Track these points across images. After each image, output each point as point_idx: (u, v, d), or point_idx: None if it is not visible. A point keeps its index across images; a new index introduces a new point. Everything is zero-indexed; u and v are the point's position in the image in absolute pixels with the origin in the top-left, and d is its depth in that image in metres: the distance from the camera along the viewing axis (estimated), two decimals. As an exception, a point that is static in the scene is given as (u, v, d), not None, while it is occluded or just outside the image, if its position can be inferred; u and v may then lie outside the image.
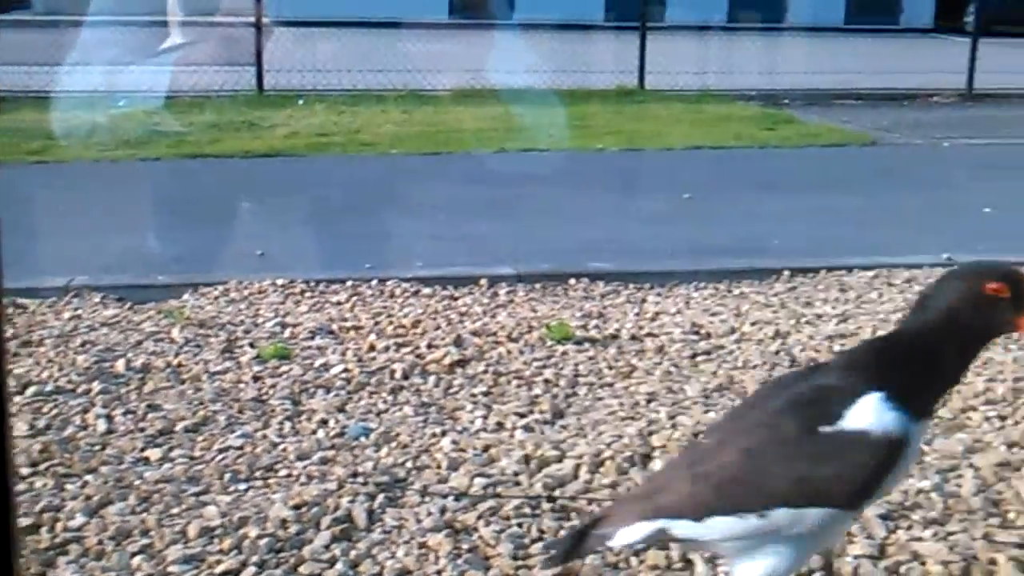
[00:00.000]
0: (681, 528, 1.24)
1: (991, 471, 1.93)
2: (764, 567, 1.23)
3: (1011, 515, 1.80)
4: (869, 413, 1.16)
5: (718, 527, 1.22)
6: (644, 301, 3.09)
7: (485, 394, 2.32)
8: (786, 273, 3.38)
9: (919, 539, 1.71)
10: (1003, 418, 2.20)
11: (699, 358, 2.57)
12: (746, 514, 1.20)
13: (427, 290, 3.14)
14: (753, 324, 2.83)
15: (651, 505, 1.27)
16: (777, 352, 2.61)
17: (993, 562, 1.65)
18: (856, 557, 1.66)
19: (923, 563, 1.65)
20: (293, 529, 1.73)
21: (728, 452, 1.24)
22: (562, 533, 1.66)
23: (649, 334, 2.74)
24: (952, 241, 3.88)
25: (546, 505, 1.81)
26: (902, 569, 1.63)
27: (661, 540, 1.34)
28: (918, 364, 1.22)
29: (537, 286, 3.20)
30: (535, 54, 9.10)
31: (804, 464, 1.18)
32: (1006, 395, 2.31)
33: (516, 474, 1.92)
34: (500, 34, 10.53)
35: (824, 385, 1.23)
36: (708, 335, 2.74)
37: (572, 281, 3.25)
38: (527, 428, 2.13)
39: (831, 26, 12.13)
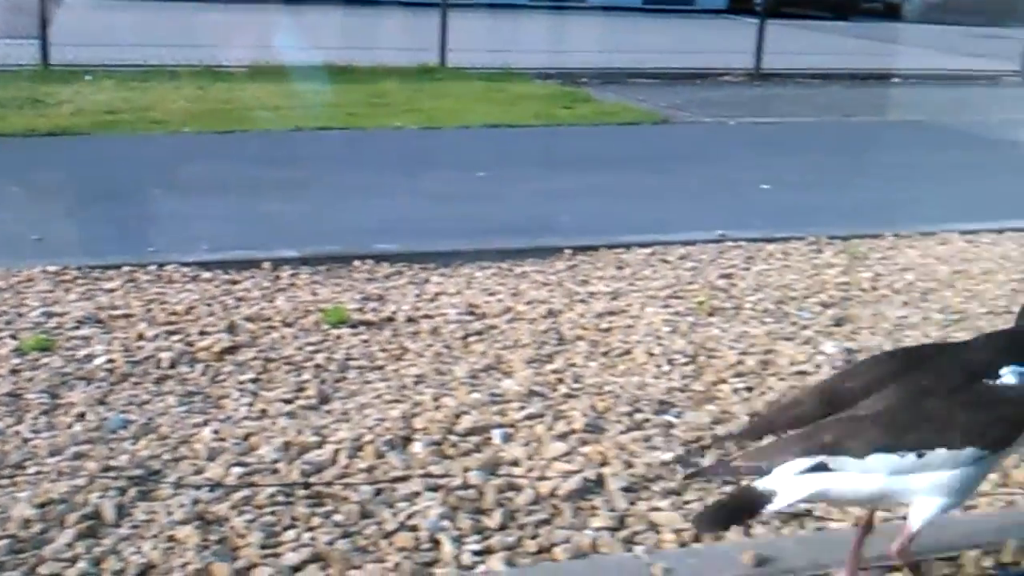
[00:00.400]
0: (842, 463, 1.29)
1: (733, 442, 2.05)
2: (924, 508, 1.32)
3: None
4: (1013, 378, 1.32)
5: (879, 463, 1.29)
6: (427, 282, 3.12)
7: (253, 381, 2.31)
8: (567, 252, 3.46)
9: (657, 509, 1.80)
10: (750, 389, 2.33)
11: (471, 339, 2.62)
12: (906, 452, 1.28)
13: (207, 275, 3.09)
14: (528, 303, 2.90)
15: (813, 442, 1.30)
16: (546, 331, 2.68)
17: (724, 528, 1.75)
18: (597, 529, 1.74)
19: (658, 531, 1.74)
20: (36, 528, 1.69)
21: (888, 396, 1.32)
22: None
23: (425, 315, 2.78)
24: (730, 218, 4.06)
25: (301, 492, 1.83)
26: (637, 538, 1.72)
27: (818, 489, 1.32)
28: None
29: (321, 268, 3.19)
30: (336, 30, 9.01)
31: (964, 410, 1.30)
32: (755, 367, 2.44)
33: (275, 462, 1.92)
34: (301, 9, 10.37)
35: (971, 358, 1.38)
36: (483, 315, 2.79)
37: (357, 263, 3.25)
38: (291, 415, 2.14)
39: (630, 6, 12.43)
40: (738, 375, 2.40)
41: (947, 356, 1.41)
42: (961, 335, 2.64)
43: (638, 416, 2.16)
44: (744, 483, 1.38)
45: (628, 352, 2.53)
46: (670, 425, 2.13)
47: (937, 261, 3.47)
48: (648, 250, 3.54)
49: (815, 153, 5.88)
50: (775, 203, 4.64)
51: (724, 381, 2.37)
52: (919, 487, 1.31)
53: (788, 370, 2.43)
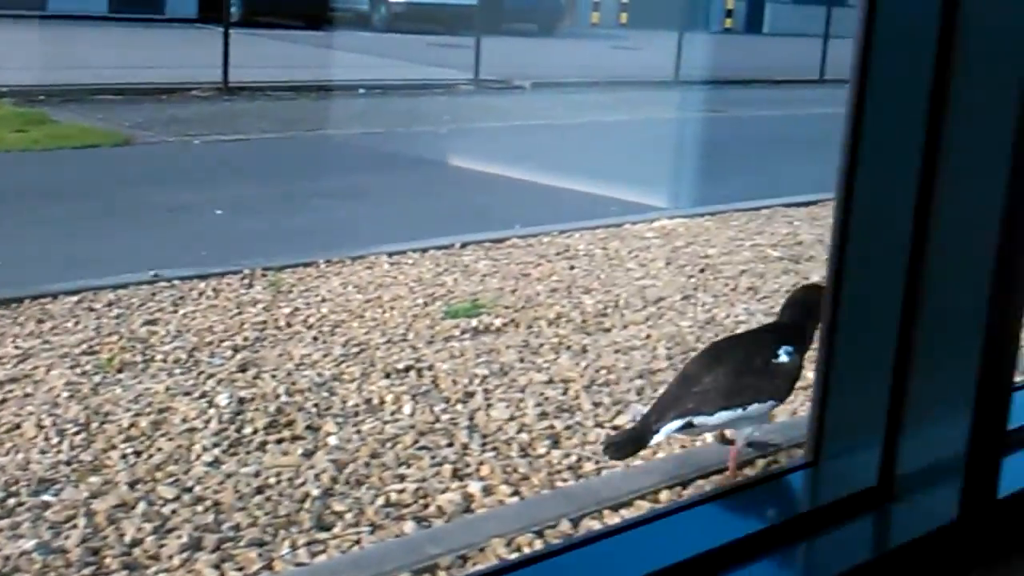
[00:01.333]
0: (700, 419, 2.09)
1: (105, 515, 2.11)
2: (745, 433, 2.16)
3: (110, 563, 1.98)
4: (785, 356, 2.15)
5: (721, 416, 2.11)
6: None
7: None
8: (-23, 308, 3.33)
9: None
10: (139, 454, 2.40)
11: None
12: (736, 408, 2.10)
13: None
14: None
15: (680, 409, 2.08)
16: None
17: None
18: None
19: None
20: None
21: (720, 374, 2.14)
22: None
23: None
24: (177, 250, 4.10)
25: None
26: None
27: (687, 430, 2.13)
28: (799, 330, 2.18)
29: None
30: None
31: (765, 379, 2.14)
32: (147, 429, 2.51)
33: None
34: None
35: (761, 344, 2.22)
36: None
37: None
38: None
39: (95, 14, 11.98)
40: (128, 439, 2.45)
41: (747, 344, 2.31)
42: (356, 369, 2.88)
43: (10, 501, 2.15)
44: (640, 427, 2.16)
45: (17, 427, 2.51)
46: (47, 505, 2.15)
47: (356, 289, 3.72)
48: (75, 298, 3.49)
49: (274, 173, 6.05)
50: (226, 231, 4.73)
51: (114, 447, 2.42)
52: (743, 423, 2.14)
53: (178, 428, 2.52)
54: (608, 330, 3.25)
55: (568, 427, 2.51)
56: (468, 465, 2.32)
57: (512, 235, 4.56)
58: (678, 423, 2.07)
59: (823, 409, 1.36)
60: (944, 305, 1.31)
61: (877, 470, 1.36)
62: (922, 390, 1.35)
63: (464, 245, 4.39)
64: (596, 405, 2.63)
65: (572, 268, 3.99)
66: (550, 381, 2.78)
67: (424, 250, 4.28)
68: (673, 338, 3.16)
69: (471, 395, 2.70)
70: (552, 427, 2.51)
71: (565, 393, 2.71)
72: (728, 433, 2.24)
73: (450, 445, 2.41)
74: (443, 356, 2.99)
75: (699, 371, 2.17)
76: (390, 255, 4.18)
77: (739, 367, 2.15)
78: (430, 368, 2.89)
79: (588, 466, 2.33)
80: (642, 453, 2.21)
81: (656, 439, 2.10)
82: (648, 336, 3.18)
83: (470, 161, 6.52)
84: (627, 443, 2.14)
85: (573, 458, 2.37)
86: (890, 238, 1.30)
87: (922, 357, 1.31)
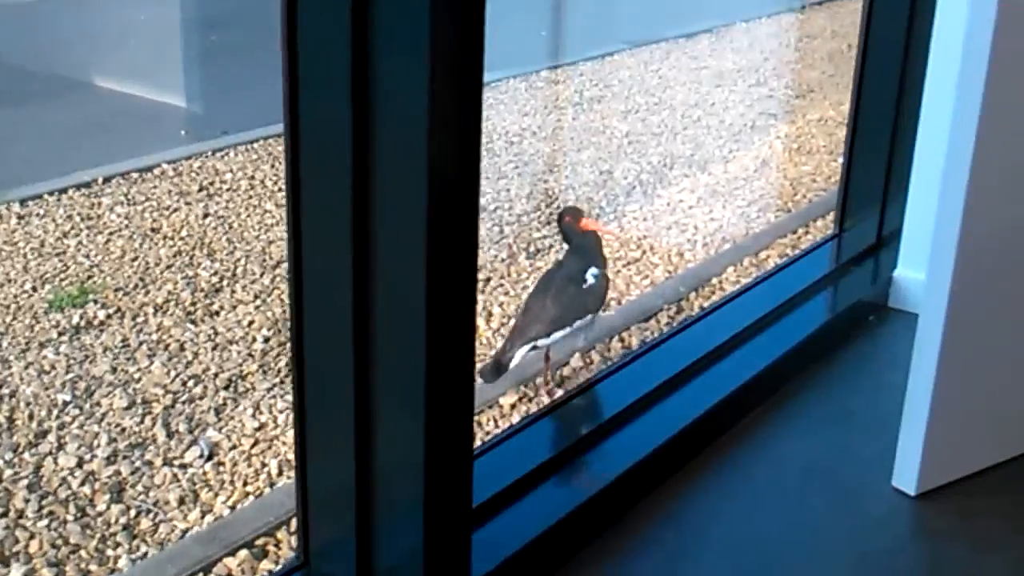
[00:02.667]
0: (541, 341, 2.52)
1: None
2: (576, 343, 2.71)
3: None
4: (592, 279, 2.55)
5: (556, 336, 2.53)
6: None
7: None
8: None
9: None
10: None
11: None
12: (567, 327, 2.52)
13: None
14: None
15: (526, 337, 2.52)
16: None
17: None
18: None
19: None
20: None
21: (550, 301, 2.55)
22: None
23: None
24: None
25: None
26: None
27: (533, 351, 2.55)
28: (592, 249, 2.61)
29: None
30: None
31: (584, 297, 2.55)
32: None
33: None
34: None
35: (573, 271, 2.58)
36: None
37: None
38: None
39: None
40: None
41: (563, 274, 2.61)
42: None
43: None
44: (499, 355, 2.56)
45: None
46: None
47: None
48: None
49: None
50: None
51: None
52: (573, 337, 2.59)
53: None
54: (216, 313, 3.21)
55: (135, 470, 2.49)
56: (17, 542, 2.28)
57: (162, 160, 4.39)
58: (525, 347, 2.55)
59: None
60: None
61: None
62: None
63: (108, 179, 4.20)
64: (171, 436, 2.61)
65: (206, 216, 3.88)
66: (131, 405, 2.73)
67: (63, 191, 4.07)
68: (276, 324, 3.14)
69: (45, 434, 2.63)
70: (119, 472, 2.49)
71: (143, 420, 2.67)
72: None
73: (3, 515, 2.36)
74: (31, 374, 2.89)
75: (534, 304, 2.64)
76: (23, 202, 3.95)
77: (561, 295, 2.58)
78: (12, 396, 2.79)
79: (146, 523, 2.33)
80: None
81: (514, 362, 2.56)
82: (251, 323, 3.15)
83: None
84: (494, 370, 2.57)
85: (132, 514, 2.36)
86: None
87: None
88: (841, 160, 3.15)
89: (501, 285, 3.35)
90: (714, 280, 3.35)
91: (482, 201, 3.99)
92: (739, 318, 2.73)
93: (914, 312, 2.93)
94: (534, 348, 2.55)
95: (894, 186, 3.09)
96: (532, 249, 3.62)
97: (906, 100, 3.04)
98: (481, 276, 3.39)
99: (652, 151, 4.75)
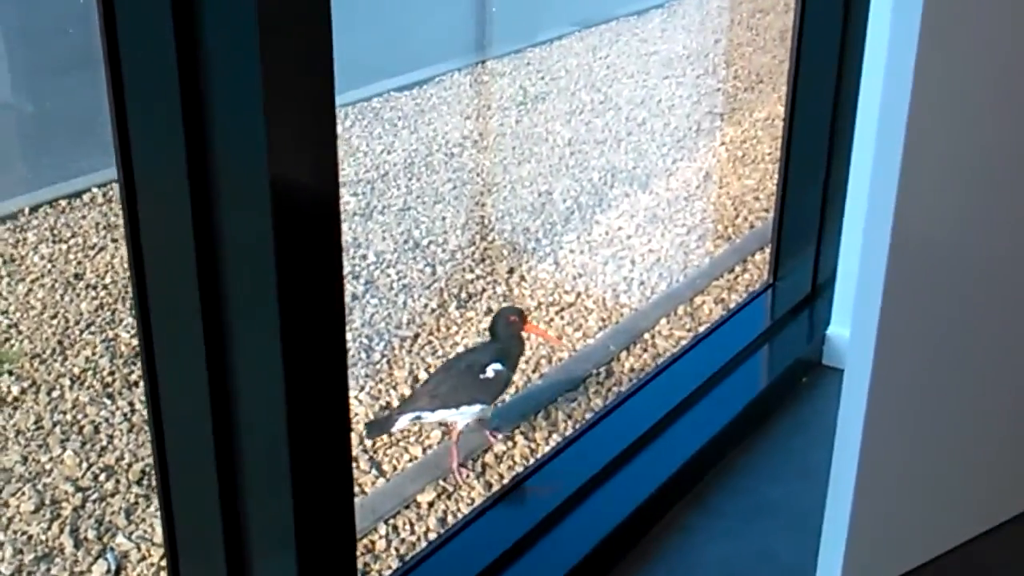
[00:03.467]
0: (426, 415, 2.67)
1: None
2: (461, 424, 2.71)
3: None
4: (491, 372, 2.64)
5: (441, 414, 2.66)
6: None
7: None
8: None
9: None
10: None
11: None
12: (453, 408, 2.64)
13: None
14: None
15: (413, 405, 2.69)
16: None
17: None
18: None
19: None
20: None
21: (443, 382, 2.69)
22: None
23: None
24: None
25: None
26: None
27: (417, 421, 2.73)
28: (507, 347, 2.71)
29: None
30: None
31: (479, 387, 2.65)
32: None
33: None
34: None
35: (476, 361, 2.69)
36: None
37: None
38: None
39: None
40: None
41: (467, 360, 2.76)
42: None
43: None
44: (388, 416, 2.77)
45: None
46: None
47: None
48: None
49: None
50: None
51: None
52: (460, 420, 2.68)
53: None
54: (136, 384, 3.12)
55: (37, 591, 2.43)
56: None
57: (91, 184, 4.27)
58: (410, 415, 2.70)
59: None
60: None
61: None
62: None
63: (35, 209, 4.09)
64: (79, 545, 2.54)
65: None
66: (39, 507, 2.66)
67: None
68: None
69: (-52, 549, 2.56)
70: (20, 596, 2.42)
71: (51, 525, 2.60)
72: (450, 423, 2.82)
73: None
74: (-61, 466, 2.80)
75: (432, 378, 2.81)
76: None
77: (458, 378, 2.71)
78: (-84, 495, 2.71)
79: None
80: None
81: (397, 426, 2.76)
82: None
83: None
84: (379, 426, 2.82)
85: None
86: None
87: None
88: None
89: (430, 342, 3.28)
90: (646, 335, 3.29)
91: (416, 235, 3.91)
92: (666, 396, 2.69)
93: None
94: (417, 418, 2.72)
95: (828, 230, 3.03)
96: (464, 295, 3.54)
97: (838, 141, 2.97)
98: (408, 332, 3.32)
99: (594, 163, 4.65)
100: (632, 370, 3.08)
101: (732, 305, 3.44)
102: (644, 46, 6.42)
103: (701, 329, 3.30)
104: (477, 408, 2.66)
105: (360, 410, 2.93)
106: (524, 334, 2.76)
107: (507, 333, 2.70)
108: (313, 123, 1.27)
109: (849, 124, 2.79)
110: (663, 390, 2.74)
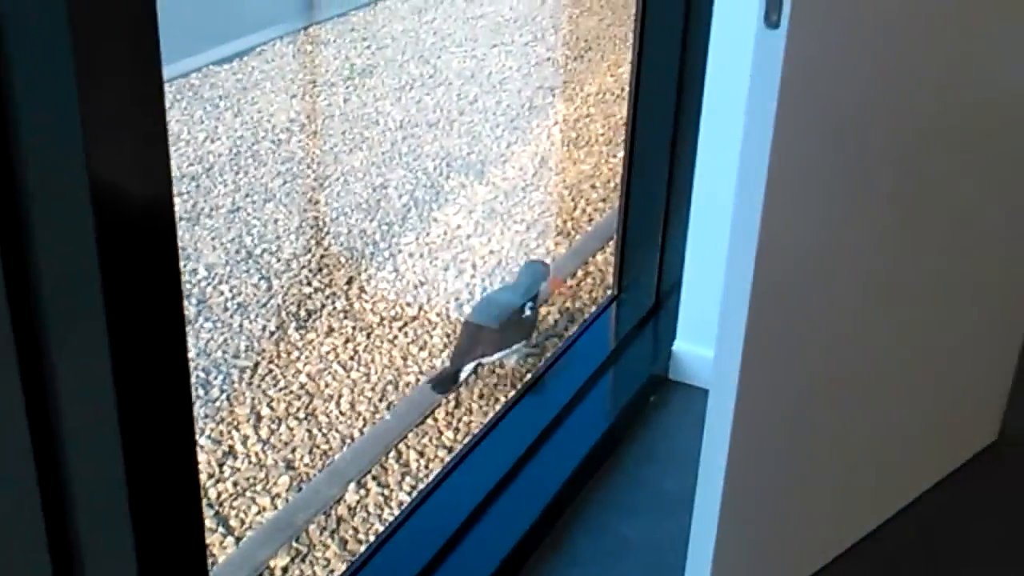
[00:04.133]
0: (486, 360, 2.99)
1: None
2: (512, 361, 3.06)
3: None
4: (528, 310, 3.08)
5: (497, 356, 2.99)
6: None
7: None
8: None
9: None
10: None
11: None
12: (507, 349, 3.00)
13: None
14: None
15: (473, 355, 2.98)
16: None
17: None
18: None
19: None
20: None
21: (493, 329, 3.02)
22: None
23: None
24: None
25: None
26: None
27: (479, 367, 3.01)
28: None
29: None
30: None
31: (526, 325, 3.06)
32: None
33: None
34: None
35: (516, 302, 3.07)
36: None
37: None
38: None
39: None
40: None
41: (504, 305, 3.08)
42: None
43: None
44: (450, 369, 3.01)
45: None
46: None
47: None
48: None
49: None
50: None
51: None
52: (509, 359, 3.03)
53: None
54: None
55: None
56: None
57: None
58: (472, 363, 2.99)
59: None
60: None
61: None
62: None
63: None
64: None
65: None
66: None
67: None
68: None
69: None
70: None
71: None
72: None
73: None
74: None
75: (478, 327, 3.10)
76: None
77: (505, 321, 3.04)
78: None
79: None
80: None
81: (463, 376, 3.00)
82: None
83: None
84: (445, 382, 3.01)
85: None
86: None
87: None
88: (620, 158, 3.26)
89: (271, 372, 3.16)
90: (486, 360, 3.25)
91: (248, 242, 3.75)
92: (517, 438, 2.67)
93: (696, 386, 2.93)
94: (479, 365, 3.04)
95: (672, 236, 3.03)
96: (303, 313, 3.43)
97: (682, 137, 2.97)
98: (248, 362, 3.19)
99: (427, 149, 4.56)
100: (481, 396, 3.05)
101: (576, 315, 3.43)
102: (470, 8, 6.29)
103: (548, 345, 3.29)
104: (521, 346, 3.05)
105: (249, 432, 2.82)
106: (544, 284, 3.22)
107: (533, 280, 3.15)
108: (140, 110, 1.02)
109: (692, 136, 2.77)
110: (513, 432, 2.72)
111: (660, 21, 2.82)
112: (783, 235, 1.77)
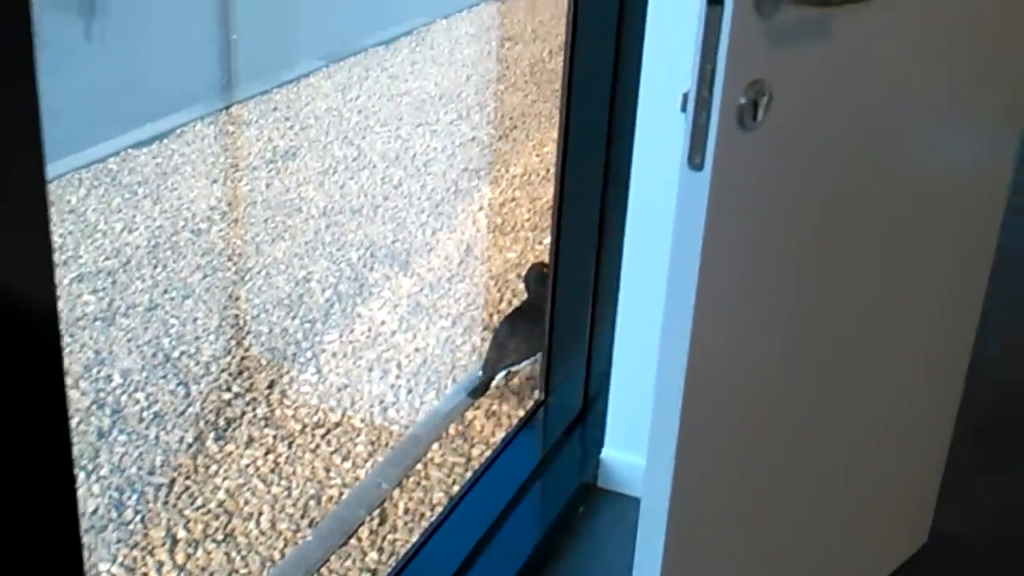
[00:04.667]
0: (514, 367, 3.24)
1: None
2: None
3: None
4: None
5: (524, 364, 3.22)
6: None
7: None
8: None
9: None
10: None
11: None
12: (531, 357, 3.24)
13: None
14: None
15: (505, 363, 3.25)
16: None
17: None
18: None
19: None
20: None
21: (519, 338, 3.29)
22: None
23: None
24: None
25: None
26: None
27: (511, 372, 3.28)
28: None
29: None
30: None
31: (542, 336, 3.01)
32: None
33: None
34: None
35: (535, 316, 3.16)
36: None
37: None
38: None
39: None
40: None
41: (527, 315, 3.30)
42: None
43: None
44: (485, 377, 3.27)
45: None
46: None
47: None
48: None
49: None
50: None
51: None
52: (530, 367, 3.21)
53: None
54: None
55: None
56: None
57: None
58: (503, 371, 3.27)
59: None
60: None
61: None
62: None
63: None
64: None
65: None
66: None
67: None
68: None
69: None
70: None
71: None
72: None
73: None
74: None
75: (506, 338, 3.30)
76: None
77: (529, 330, 3.22)
78: None
79: None
80: None
81: (495, 383, 3.31)
82: None
83: None
84: (480, 388, 3.32)
85: None
86: None
87: None
88: (546, 245, 3.34)
89: (187, 489, 3.06)
90: (419, 466, 3.18)
91: (166, 344, 3.65)
92: (443, 563, 2.61)
93: (625, 493, 2.87)
94: (508, 372, 3.29)
95: (599, 336, 2.99)
96: (222, 422, 3.33)
97: (608, 229, 2.93)
98: (164, 479, 3.08)
99: (351, 238, 4.49)
100: (407, 511, 2.98)
101: (504, 420, 3.38)
102: (395, 84, 6.27)
103: (474, 452, 3.23)
104: (539, 354, 3.17)
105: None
106: None
107: (543, 287, 3.19)
108: (19, 211, 0.91)
109: (619, 228, 2.74)
110: (440, 551, 2.66)
111: (586, 101, 2.80)
112: (714, 340, 1.74)
